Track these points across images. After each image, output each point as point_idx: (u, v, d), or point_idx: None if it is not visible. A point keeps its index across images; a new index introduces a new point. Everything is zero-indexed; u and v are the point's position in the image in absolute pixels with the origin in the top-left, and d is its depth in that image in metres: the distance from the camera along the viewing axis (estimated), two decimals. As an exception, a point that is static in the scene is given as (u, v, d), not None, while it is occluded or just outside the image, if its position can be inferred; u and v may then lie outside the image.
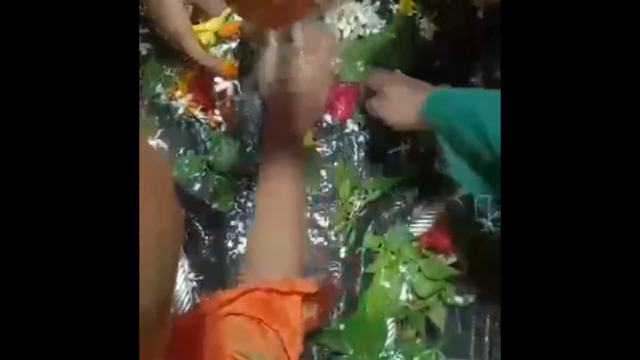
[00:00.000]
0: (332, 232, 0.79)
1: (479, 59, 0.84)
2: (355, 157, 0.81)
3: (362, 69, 0.81)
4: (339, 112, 0.81)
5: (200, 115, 0.80)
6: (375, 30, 0.83)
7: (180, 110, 0.81)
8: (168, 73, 0.81)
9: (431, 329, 0.77)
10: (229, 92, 0.77)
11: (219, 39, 0.76)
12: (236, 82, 0.77)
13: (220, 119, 0.79)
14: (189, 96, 0.81)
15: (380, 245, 0.76)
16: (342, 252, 0.79)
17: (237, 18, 0.75)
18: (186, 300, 0.75)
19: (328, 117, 0.81)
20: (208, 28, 0.75)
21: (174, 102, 0.81)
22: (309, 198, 0.79)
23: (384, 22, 0.84)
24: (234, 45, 0.76)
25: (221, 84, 0.77)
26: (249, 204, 0.78)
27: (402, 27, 0.85)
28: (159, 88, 0.80)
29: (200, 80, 0.80)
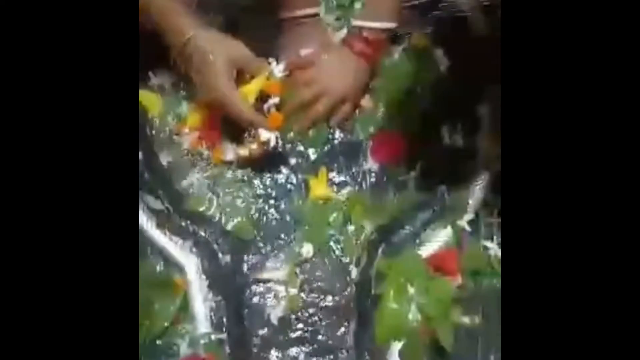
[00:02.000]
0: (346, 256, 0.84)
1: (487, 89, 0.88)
2: (367, 184, 0.86)
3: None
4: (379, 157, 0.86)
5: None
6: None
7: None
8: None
9: (438, 350, 0.80)
10: (272, 142, 0.80)
11: (264, 95, 0.81)
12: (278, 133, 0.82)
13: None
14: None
15: (390, 268, 0.79)
16: (354, 274, 0.83)
17: (278, 76, 0.81)
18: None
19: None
20: (253, 88, 0.80)
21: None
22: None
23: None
24: (277, 100, 0.82)
25: (264, 135, 0.80)
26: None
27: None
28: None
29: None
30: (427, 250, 0.80)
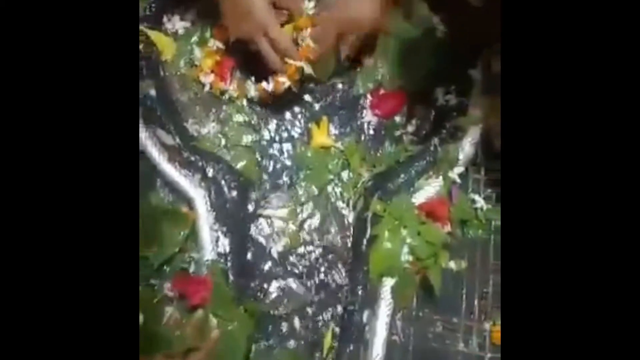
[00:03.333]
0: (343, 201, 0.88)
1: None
2: (366, 136, 0.91)
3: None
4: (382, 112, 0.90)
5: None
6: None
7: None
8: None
9: (427, 290, 0.85)
10: (285, 85, 0.83)
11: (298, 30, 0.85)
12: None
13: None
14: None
15: (384, 211, 0.83)
16: (351, 218, 0.87)
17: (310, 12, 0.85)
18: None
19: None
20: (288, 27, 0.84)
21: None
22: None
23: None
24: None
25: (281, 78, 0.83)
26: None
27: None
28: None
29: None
30: (419, 197, 0.85)
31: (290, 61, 0.81)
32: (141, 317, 0.74)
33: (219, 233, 0.80)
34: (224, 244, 0.79)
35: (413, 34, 0.94)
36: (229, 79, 0.88)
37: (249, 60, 0.85)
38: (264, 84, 0.83)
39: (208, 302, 0.77)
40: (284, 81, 0.82)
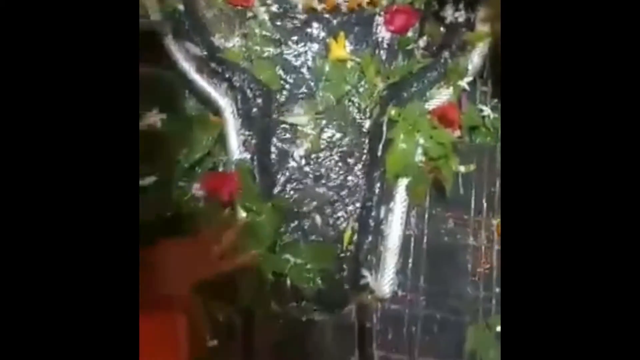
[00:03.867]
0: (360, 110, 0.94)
1: None
2: (380, 50, 0.96)
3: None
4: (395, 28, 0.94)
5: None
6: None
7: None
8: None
9: (439, 189, 0.91)
10: None
11: None
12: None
13: None
14: None
15: (399, 116, 0.89)
16: (367, 124, 0.93)
17: None
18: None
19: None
20: None
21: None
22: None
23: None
24: None
25: None
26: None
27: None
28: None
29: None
30: (431, 104, 0.91)
31: None
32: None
33: (245, 137, 0.86)
34: (250, 147, 0.86)
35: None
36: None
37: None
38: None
39: (237, 198, 0.83)
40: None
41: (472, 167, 0.91)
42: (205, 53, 0.87)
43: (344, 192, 0.88)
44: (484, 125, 0.93)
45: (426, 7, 0.95)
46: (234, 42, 0.90)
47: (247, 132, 0.85)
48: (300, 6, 0.90)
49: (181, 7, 0.87)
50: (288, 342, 0.84)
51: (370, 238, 0.85)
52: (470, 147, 0.92)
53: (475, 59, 0.92)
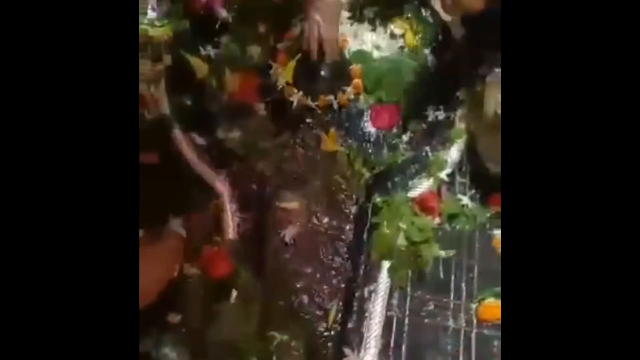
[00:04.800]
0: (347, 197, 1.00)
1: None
2: (367, 144, 1.04)
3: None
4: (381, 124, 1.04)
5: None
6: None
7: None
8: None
9: (420, 273, 0.95)
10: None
11: None
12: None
13: None
14: None
15: (384, 202, 0.95)
16: (353, 210, 0.99)
17: None
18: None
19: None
20: None
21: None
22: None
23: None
24: None
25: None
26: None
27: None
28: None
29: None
30: (413, 193, 0.98)
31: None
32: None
33: (239, 220, 0.93)
34: (246, 227, 0.93)
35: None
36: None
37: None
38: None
39: (231, 276, 0.88)
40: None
41: (452, 252, 0.96)
42: (208, 143, 0.96)
43: (330, 273, 0.94)
44: (463, 213, 0.99)
45: (409, 106, 1.05)
46: (235, 134, 0.99)
47: (242, 216, 0.92)
48: (295, 103, 1.00)
49: (189, 102, 0.98)
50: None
51: (354, 317, 0.89)
52: (450, 234, 0.97)
53: (454, 153, 1.00)
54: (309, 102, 1.00)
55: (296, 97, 0.98)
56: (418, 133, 1.04)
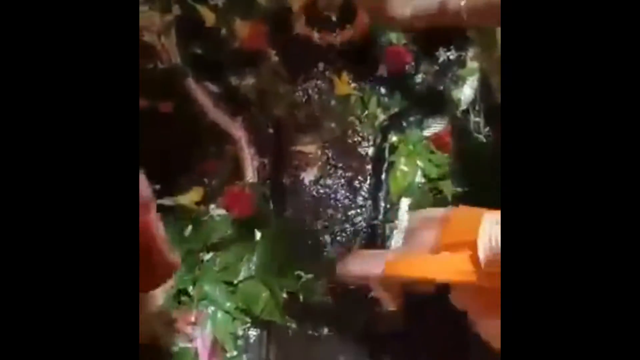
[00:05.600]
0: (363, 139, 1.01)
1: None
2: (380, 86, 1.04)
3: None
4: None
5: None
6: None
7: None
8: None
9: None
10: None
11: None
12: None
13: None
14: None
15: (400, 141, 0.96)
16: (370, 151, 1.00)
17: None
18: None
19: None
20: None
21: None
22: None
23: None
24: None
25: None
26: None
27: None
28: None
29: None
30: (429, 132, 0.98)
31: None
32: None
33: (259, 164, 0.93)
34: (263, 173, 0.93)
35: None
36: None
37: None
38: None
39: (254, 216, 0.89)
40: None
41: (467, 189, 0.97)
42: (222, 91, 0.96)
43: (351, 213, 0.94)
44: (477, 151, 1.00)
45: (420, 48, 1.04)
46: (248, 81, 0.99)
47: (260, 160, 0.92)
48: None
49: (200, 51, 0.97)
50: (303, 357, 0.88)
51: (376, 255, 0.89)
52: (465, 171, 0.98)
53: (467, 91, 1.00)
54: (318, 37, 0.99)
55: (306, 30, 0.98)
56: (430, 74, 1.04)
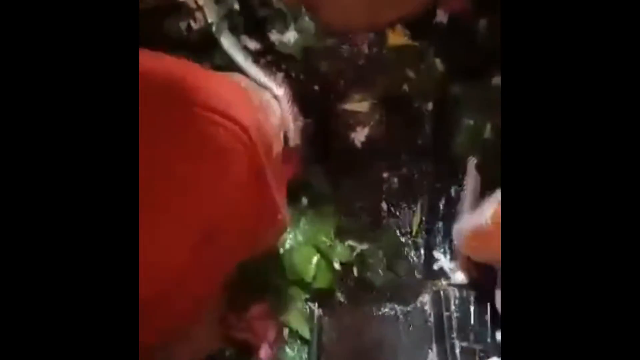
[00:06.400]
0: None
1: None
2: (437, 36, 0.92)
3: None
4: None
5: None
6: None
7: None
8: None
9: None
10: None
11: None
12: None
13: None
14: None
15: (463, 94, 0.84)
16: (429, 106, 0.86)
17: None
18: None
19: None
20: None
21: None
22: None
23: None
24: None
25: None
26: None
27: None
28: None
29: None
30: (495, 81, 0.85)
31: None
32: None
33: (304, 123, 0.83)
34: (309, 134, 0.82)
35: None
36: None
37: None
38: None
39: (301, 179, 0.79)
40: None
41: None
42: (260, 47, 0.86)
43: (409, 175, 0.82)
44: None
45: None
46: (289, 37, 0.89)
47: (306, 120, 0.82)
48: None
49: (237, 6, 0.88)
50: (360, 336, 0.77)
51: (440, 222, 0.78)
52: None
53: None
54: None
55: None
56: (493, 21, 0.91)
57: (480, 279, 0.74)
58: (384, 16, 0.88)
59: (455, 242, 0.75)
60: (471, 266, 0.73)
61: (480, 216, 0.65)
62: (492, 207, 0.63)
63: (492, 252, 0.61)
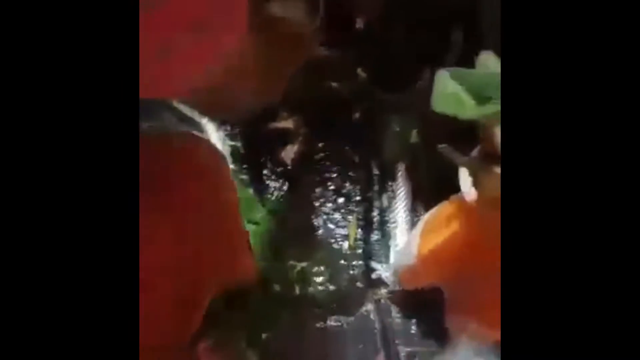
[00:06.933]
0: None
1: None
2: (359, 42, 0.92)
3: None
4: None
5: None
6: None
7: None
8: None
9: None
10: None
11: None
12: None
13: None
14: None
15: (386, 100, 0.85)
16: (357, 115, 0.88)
17: None
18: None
19: None
20: None
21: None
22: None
23: None
24: None
25: None
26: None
27: None
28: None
29: None
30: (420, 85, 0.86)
31: None
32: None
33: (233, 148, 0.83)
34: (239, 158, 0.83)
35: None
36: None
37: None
38: None
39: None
40: None
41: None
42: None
43: (341, 188, 0.84)
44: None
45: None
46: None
47: (234, 143, 0.82)
48: None
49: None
50: (307, 352, 0.78)
51: (376, 231, 0.79)
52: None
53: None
54: None
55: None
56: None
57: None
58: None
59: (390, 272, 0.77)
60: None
61: (409, 253, 0.67)
62: (415, 240, 0.65)
63: (423, 284, 0.64)
